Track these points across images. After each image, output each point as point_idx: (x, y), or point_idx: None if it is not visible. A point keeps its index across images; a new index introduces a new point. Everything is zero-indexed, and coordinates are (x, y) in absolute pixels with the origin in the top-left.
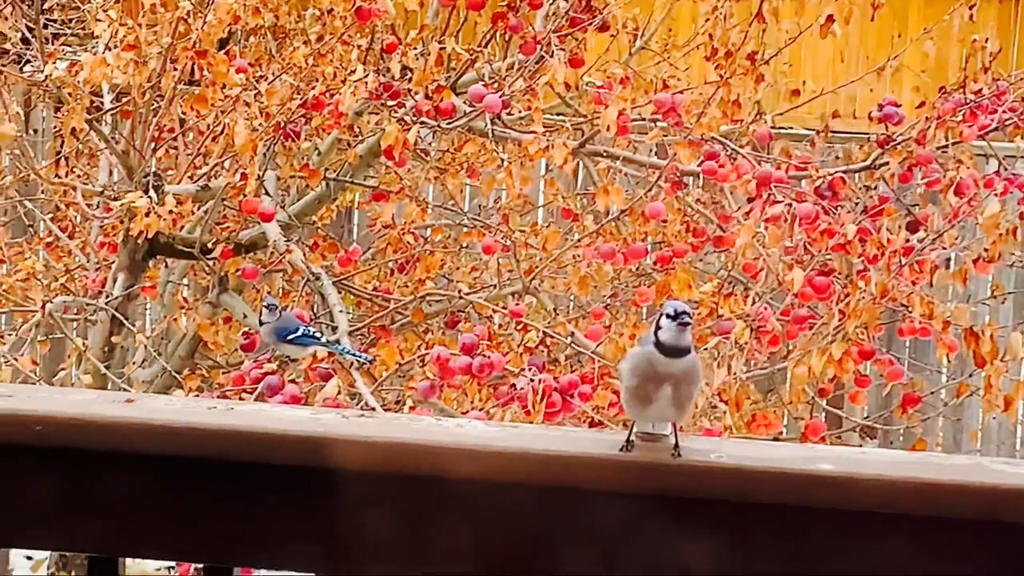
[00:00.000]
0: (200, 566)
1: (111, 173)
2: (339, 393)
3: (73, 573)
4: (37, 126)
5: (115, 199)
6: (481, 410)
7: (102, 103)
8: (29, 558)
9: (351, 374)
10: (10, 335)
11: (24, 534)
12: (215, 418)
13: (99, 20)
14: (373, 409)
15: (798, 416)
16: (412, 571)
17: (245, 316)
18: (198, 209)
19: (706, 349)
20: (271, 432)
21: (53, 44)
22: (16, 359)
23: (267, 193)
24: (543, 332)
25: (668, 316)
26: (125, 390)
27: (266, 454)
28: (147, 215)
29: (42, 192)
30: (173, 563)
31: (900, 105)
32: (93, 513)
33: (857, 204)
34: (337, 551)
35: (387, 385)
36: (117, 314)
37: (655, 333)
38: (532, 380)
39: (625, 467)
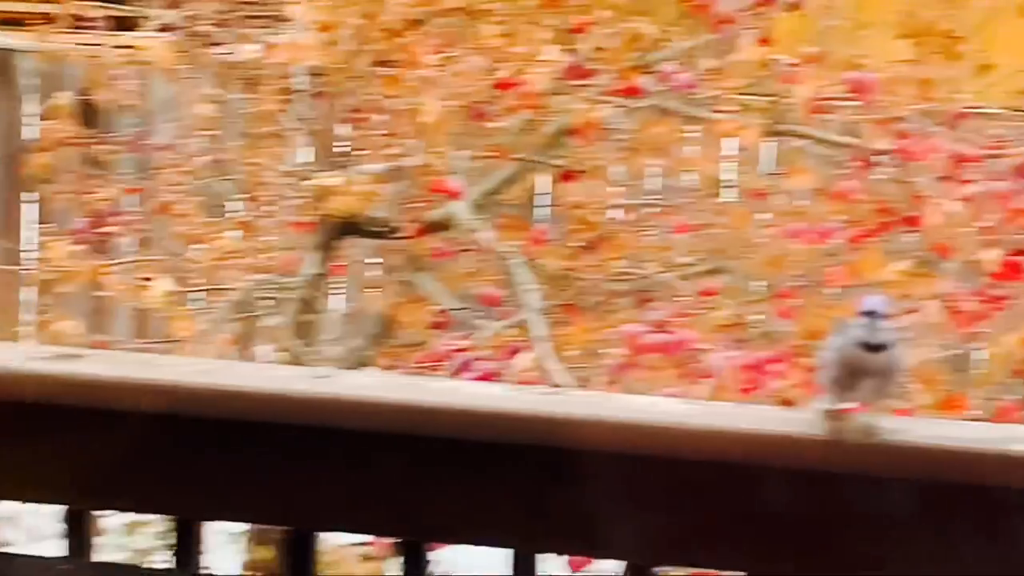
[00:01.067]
0: (394, 541)
1: (303, 154)
2: (531, 370)
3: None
4: (230, 107)
5: (307, 179)
6: (672, 388)
7: (295, 84)
8: (226, 533)
9: (541, 351)
10: (206, 314)
11: (224, 509)
12: (408, 394)
13: (293, 2)
14: (565, 387)
15: (991, 397)
16: (596, 549)
17: (435, 295)
18: (388, 189)
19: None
20: (463, 408)
21: (247, 26)
22: (212, 338)
23: (457, 173)
24: (733, 311)
25: (863, 313)
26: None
27: (459, 430)
28: (339, 195)
29: (235, 173)
30: (367, 538)
31: None
32: (289, 488)
33: None
34: (529, 529)
35: (577, 363)
36: (309, 293)
37: (856, 328)
38: (724, 358)
39: (816, 446)
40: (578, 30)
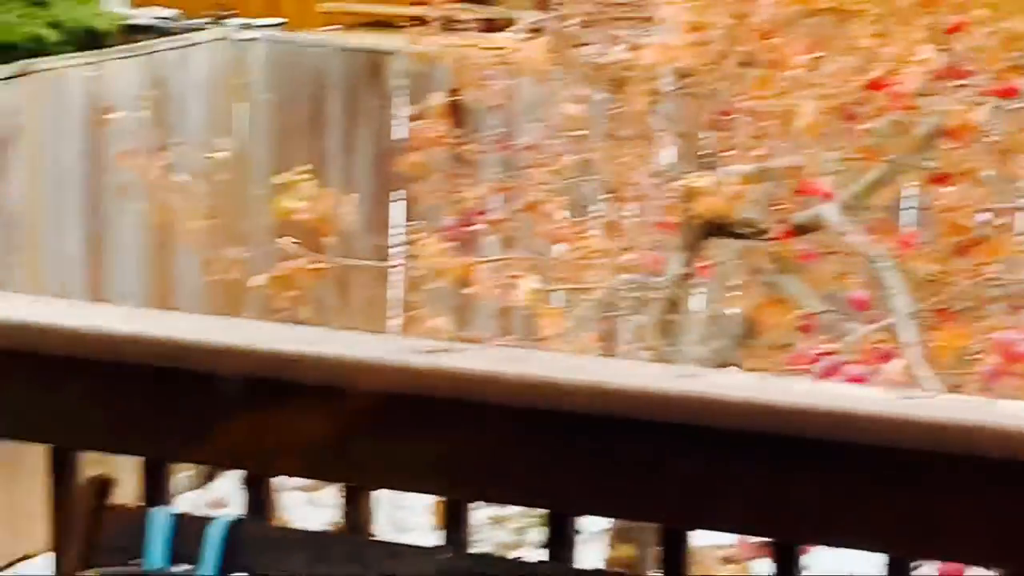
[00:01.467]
0: (765, 543)
1: (669, 154)
2: (900, 376)
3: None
4: (596, 108)
5: (674, 180)
6: None
7: (662, 85)
8: (587, 531)
9: (910, 357)
10: (572, 312)
11: (595, 504)
12: (774, 395)
13: (663, 2)
14: (934, 392)
15: None
16: (972, 558)
17: (801, 297)
18: (756, 190)
19: None
20: (830, 410)
21: (615, 27)
22: (577, 336)
23: (826, 174)
24: None
25: None
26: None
27: (825, 431)
28: (707, 196)
29: (601, 173)
30: (728, 539)
31: None
32: (658, 485)
33: None
34: (900, 535)
35: (948, 370)
36: (674, 293)
37: None
38: None
39: None
40: (954, 30)
